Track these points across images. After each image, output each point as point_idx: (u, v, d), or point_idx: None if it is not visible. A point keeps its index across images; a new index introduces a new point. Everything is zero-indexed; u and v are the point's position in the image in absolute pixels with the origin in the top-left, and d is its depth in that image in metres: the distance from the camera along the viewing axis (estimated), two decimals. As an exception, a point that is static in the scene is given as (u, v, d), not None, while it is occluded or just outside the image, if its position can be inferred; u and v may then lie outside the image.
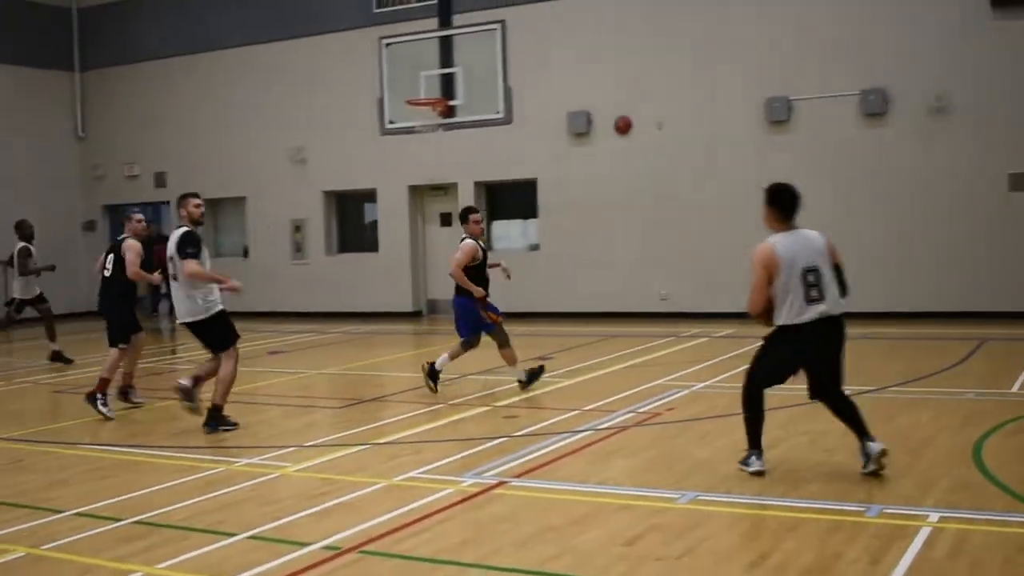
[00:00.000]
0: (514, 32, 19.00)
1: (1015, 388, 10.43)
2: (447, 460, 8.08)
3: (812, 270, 6.92)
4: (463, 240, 11.34)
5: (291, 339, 17.63)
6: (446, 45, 20.13)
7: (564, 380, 12.05)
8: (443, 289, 21.08)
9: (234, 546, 6.11)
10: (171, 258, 9.75)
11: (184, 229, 9.71)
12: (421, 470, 7.76)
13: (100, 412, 10.70)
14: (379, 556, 5.84)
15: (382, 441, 8.93)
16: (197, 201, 9.95)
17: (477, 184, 20.55)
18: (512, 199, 20.66)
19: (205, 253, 9.91)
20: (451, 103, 19.79)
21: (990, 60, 16.45)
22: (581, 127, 19.29)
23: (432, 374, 11.25)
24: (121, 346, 11.31)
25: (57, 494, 7.61)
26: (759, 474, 7.22)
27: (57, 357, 15.46)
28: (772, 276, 6.92)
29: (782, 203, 7.12)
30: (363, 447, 8.76)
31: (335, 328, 19.52)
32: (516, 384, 11.41)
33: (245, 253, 23.12)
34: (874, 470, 6.97)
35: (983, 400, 9.85)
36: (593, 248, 19.08)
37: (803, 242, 7.02)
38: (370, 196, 21.66)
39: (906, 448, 7.86)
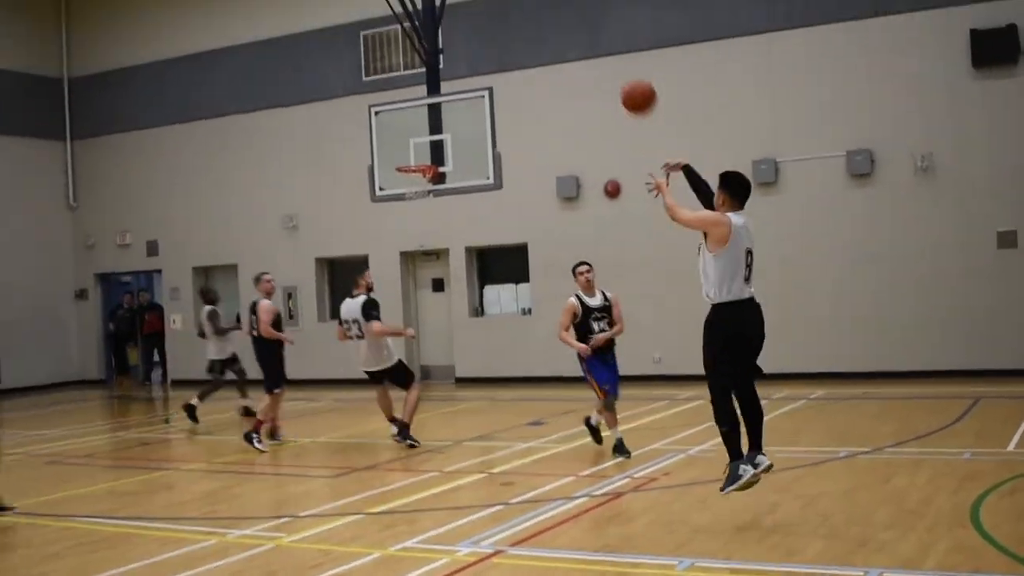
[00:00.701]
0: (502, 98, 19.07)
1: (1011, 447, 10.41)
2: (442, 529, 8.01)
3: (750, 252, 7.55)
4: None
5: (284, 406, 17.52)
6: (435, 112, 20.24)
7: (559, 445, 12.01)
8: (435, 355, 21.14)
9: (229, 621, 6.04)
10: (355, 321, 12.32)
11: (365, 297, 12.38)
12: (416, 539, 7.69)
13: (256, 448, 12.52)
14: (376, 629, 5.77)
15: (376, 510, 8.86)
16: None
17: (468, 249, 20.63)
18: (503, 263, 20.73)
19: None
20: (441, 169, 19.88)
21: (974, 119, 16.64)
22: (571, 191, 19.42)
23: (594, 431, 11.38)
24: (275, 391, 13.03)
25: (50, 567, 7.53)
26: (754, 481, 7.48)
27: (248, 412, 15.72)
28: (721, 238, 7.43)
29: (733, 187, 7.66)
30: (358, 516, 8.69)
31: (328, 395, 19.45)
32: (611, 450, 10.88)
33: (238, 320, 23.04)
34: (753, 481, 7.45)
35: (979, 460, 9.83)
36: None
37: (748, 224, 7.59)
38: (362, 262, 21.70)
39: (904, 509, 7.83)
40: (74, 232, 25.42)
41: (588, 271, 11.26)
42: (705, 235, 7.58)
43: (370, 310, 12.28)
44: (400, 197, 20.45)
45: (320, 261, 22.29)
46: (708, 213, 7.65)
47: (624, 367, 11.24)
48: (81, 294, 25.34)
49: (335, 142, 21.48)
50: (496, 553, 7.19)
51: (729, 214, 7.51)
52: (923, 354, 16.87)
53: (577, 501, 8.79)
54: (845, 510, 7.91)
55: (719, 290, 7.47)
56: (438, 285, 21.02)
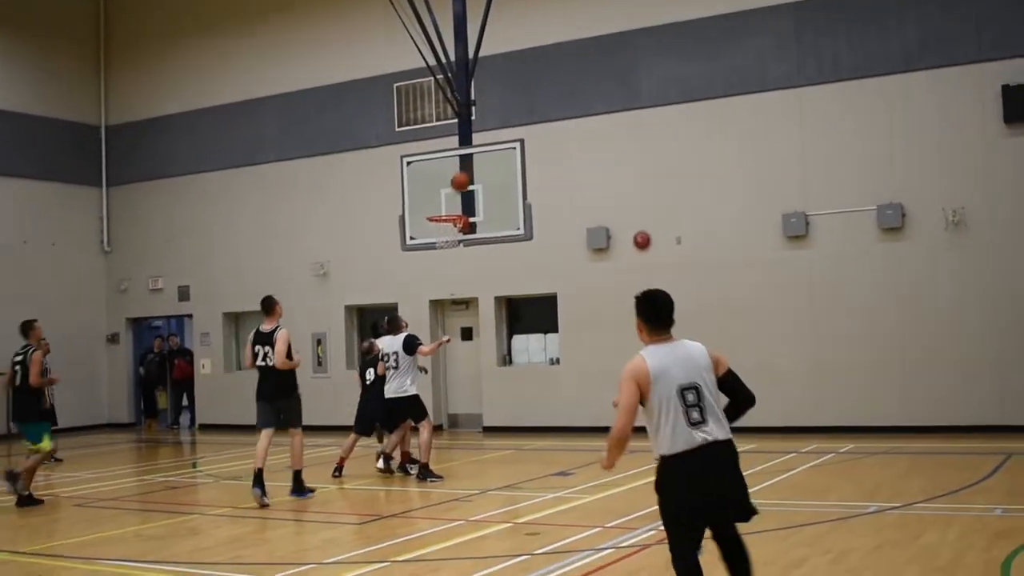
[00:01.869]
0: (533, 149, 19.23)
1: (1043, 505, 10.29)
2: (468, 578, 7.99)
3: (694, 388, 5.83)
4: None
5: (312, 453, 17.48)
6: (466, 162, 20.45)
7: (586, 496, 11.95)
8: (464, 403, 21.15)
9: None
10: (394, 353, 14.13)
11: (407, 334, 14.33)
12: (442, 588, 7.68)
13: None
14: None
15: (402, 558, 8.84)
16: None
17: (497, 299, 20.69)
18: (532, 313, 20.78)
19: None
20: (472, 219, 20.01)
21: (1006, 174, 16.61)
22: (600, 242, 19.49)
23: None
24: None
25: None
26: None
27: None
28: (644, 394, 5.85)
29: (645, 311, 6.10)
30: (383, 564, 8.68)
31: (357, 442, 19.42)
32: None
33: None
34: None
35: (1011, 516, 9.70)
36: (614, 362, 18.77)
37: (681, 355, 5.96)
38: (392, 310, 21.79)
39: (934, 567, 7.75)
40: (107, 276, 25.70)
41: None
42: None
43: (414, 341, 14.22)
44: (431, 246, 20.61)
45: (350, 308, 22.41)
46: (624, 387, 5.96)
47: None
48: (113, 338, 25.55)
49: (367, 191, 21.67)
50: (521, 603, 7.17)
51: (647, 350, 5.97)
52: (954, 409, 16.73)
53: (603, 553, 8.75)
54: (874, 567, 7.83)
55: (655, 440, 5.89)
56: (467, 334, 21.08)
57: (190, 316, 24.71)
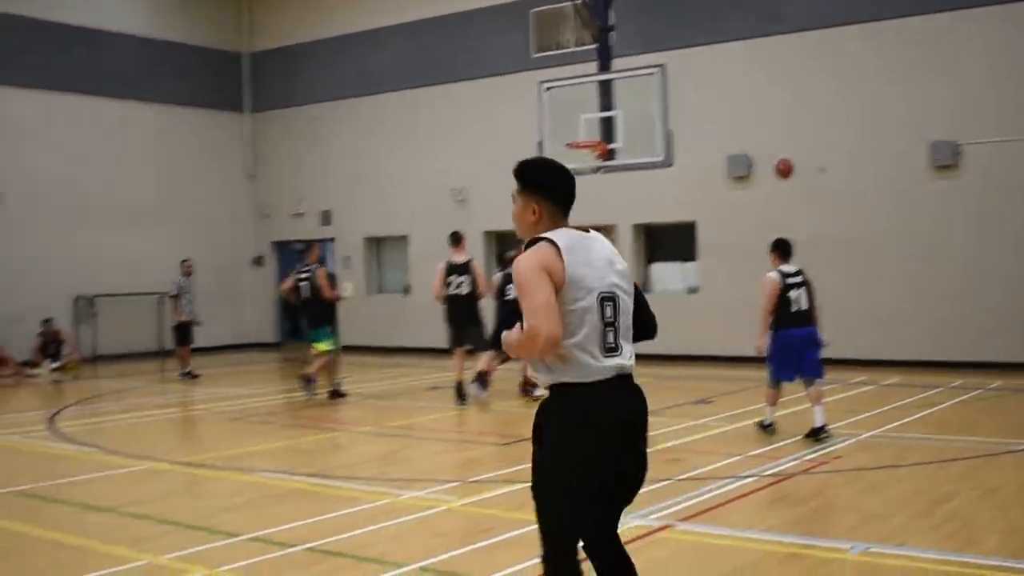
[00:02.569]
0: (675, 75, 18.99)
1: None
2: (610, 501, 8.07)
3: (612, 298, 4.35)
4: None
5: (451, 375, 17.87)
6: (606, 88, 20.27)
7: (727, 425, 11.92)
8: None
9: (406, 577, 6.26)
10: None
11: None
12: (585, 510, 7.78)
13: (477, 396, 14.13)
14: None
15: (544, 480, 8.97)
16: None
17: (636, 226, 20.58)
18: (671, 241, 20.61)
19: None
20: (610, 146, 19.88)
21: None
22: (742, 170, 19.15)
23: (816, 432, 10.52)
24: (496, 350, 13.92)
25: (235, 517, 7.92)
26: None
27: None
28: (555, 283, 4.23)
29: (539, 184, 4.46)
30: (527, 484, 8.81)
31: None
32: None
33: (406, 291, 23.63)
34: None
35: None
36: (754, 291, 18.65)
37: (595, 247, 4.46)
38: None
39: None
40: (252, 201, 26.41)
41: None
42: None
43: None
44: (572, 172, 20.61)
45: (488, 234, 22.58)
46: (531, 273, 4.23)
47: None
48: (258, 261, 26.32)
49: (505, 117, 21.68)
50: (664, 528, 7.24)
51: (554, 235, 4.34)
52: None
53: (745, 480, 8.75)
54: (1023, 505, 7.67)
55: (561, 363, 4.27)
56: (604, 261, 21.06)
57: (332, 240, 25.26)
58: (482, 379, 14.17)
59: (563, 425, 4.32)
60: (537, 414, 4.49)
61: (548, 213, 4.46)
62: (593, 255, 4.37)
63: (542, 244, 4.32)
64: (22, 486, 9.46)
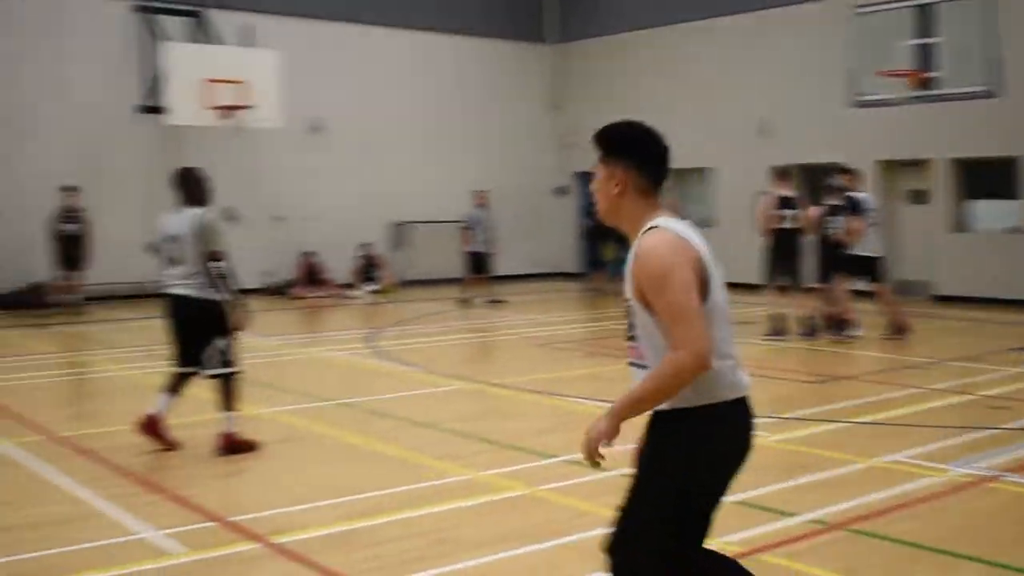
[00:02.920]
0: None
1: None
2: (932, 446, 7.79)
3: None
4: None
5: (750, 311, 17.60)
6: (923, 14, 19.17)
7: (1054, 373, 11.21)
8: (912, 270, 20.15)
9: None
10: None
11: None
12: (904, 454, 7.56)
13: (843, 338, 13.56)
14: (868, 536, 5.80)
15: (860, 420, 8.78)
16: None
17: (954, 161, 19.44)
18: (992, 177, 19.34)
19: None
20: (926, 75, 18.82)
21: None
22: (1078, 100, 17.68)
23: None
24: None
25: (544, 440, 8.20)
26: None
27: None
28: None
29: (646, 158, 4.00)
30: (843, 424, 8.67)
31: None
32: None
33: (707, 224, 23.44)
34: None
35: None
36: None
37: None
38: (834, 169, 21.12)
39: None
40: (554, 131, 26.83)
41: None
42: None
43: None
44: (881, 103, 19.70)
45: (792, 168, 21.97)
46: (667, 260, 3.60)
47: None
48: (561, 190, 26.78)
49: (811, 45, 20.94)
50: (993, 478, 6.92)
51: (669, 224, 3.71)
52: None
53: (1080, 434, 8.23)
54: None
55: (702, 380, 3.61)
56: (919, 197, 20.04)
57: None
58: (840, 324, 13.67)
59: (701, 452, 3.61)
60: (650, 438, 3.79)
61: (635, 186, 3.78)
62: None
63: (660, 229, 3.61)
64: (349, 399, 10.18)
